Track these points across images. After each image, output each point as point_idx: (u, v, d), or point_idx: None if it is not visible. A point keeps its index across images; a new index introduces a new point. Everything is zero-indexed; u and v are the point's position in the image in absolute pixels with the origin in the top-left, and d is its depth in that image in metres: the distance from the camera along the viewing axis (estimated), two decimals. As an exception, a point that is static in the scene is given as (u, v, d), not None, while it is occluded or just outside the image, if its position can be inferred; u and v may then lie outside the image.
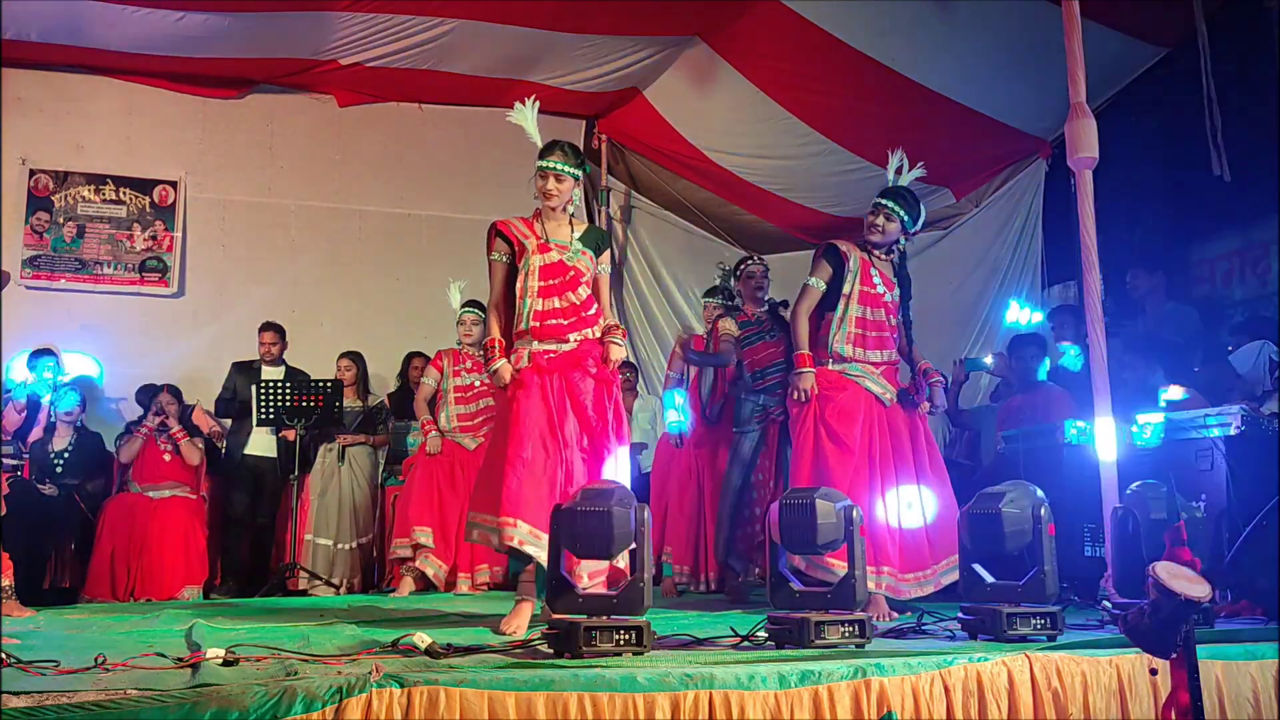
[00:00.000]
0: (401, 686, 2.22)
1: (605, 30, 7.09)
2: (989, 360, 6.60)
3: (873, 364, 4.23)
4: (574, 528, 2.82)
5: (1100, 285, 4.05)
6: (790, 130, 7.44)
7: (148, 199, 7.60)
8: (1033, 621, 3.09)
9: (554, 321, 3.71)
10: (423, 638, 2.79)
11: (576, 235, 3.93)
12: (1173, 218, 6.56)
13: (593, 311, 3.81)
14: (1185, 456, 4.12)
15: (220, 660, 2.59)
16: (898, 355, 4.34)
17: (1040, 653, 2.70)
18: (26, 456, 5.99)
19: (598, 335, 3.79)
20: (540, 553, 3.30)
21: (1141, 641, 2.21)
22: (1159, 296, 5.83)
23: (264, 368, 6.71)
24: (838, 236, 4.55)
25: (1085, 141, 3.98)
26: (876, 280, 4.30)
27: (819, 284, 4.30)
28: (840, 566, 3.29)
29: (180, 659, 2.64)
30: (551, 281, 3.79)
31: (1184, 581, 2.13)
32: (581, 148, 8.47)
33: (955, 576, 3.72)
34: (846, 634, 2.95)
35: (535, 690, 2.31)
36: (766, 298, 5.50)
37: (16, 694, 2.19)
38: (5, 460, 5.79)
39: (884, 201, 4.34)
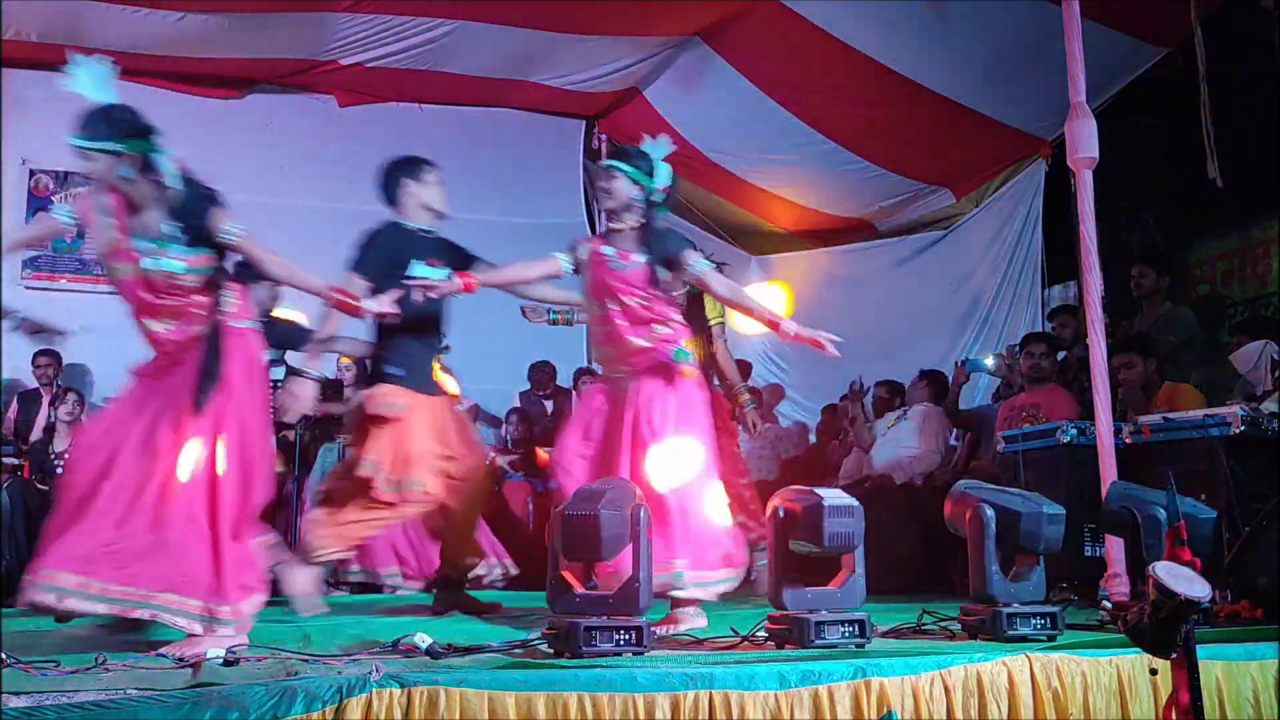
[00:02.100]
0: (402, 686, 2.22)
1: (605, 30, 7.09)
2: (989, 361, 6.61)
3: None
4: (561, 531, 2.82)
5: (1100, 285, 4.05)
6: (790, 130, 7.44)
7: (148, 199, 7.60)
8: (1033, 621, 3.09)
9: None
10: (423, 637, 2.79)
11: None
12: (1172, 218, 6.56)
13: None
14: (1185, 456, 4.12)
15: (221, 660, 2.60)
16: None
17: (1040, 653, 2.70)
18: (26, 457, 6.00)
19: None
20: None
21: (1141, 641, 2.21)
22: (1158, 298, 5.84)
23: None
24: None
25: (1085, 141, 3.99)
26: (609, 255, 3.73)
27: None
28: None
29: (181, 658, 2.65)
30: None
31: (1184, 581, 2.13)
32: (582, 148, 8.59)
33: None
34: (846, 634, 2.95)
35: (535, 690, 2.31)
36: None
37: (16, 694, 2.19)
38: (4, 459, 5.79)
39: (606, 163, 3.92)
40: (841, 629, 2.95)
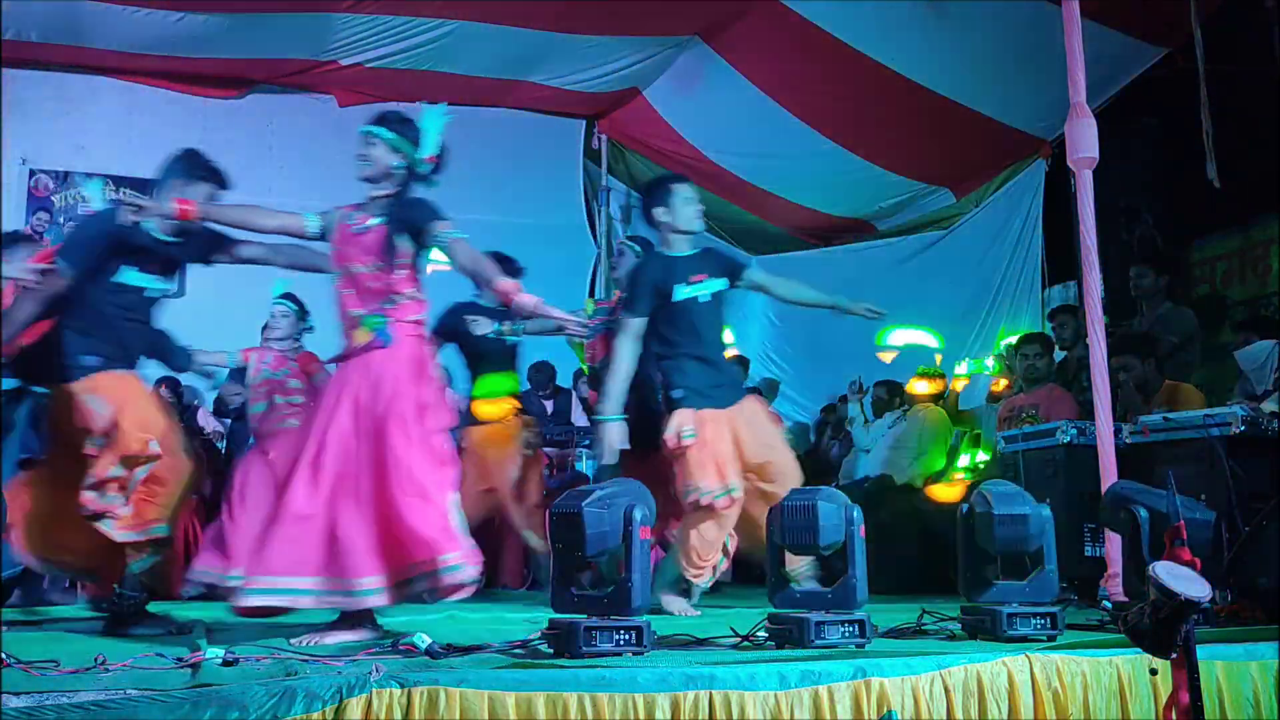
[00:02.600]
0: (401, 686, 2.22)
1: (605, 31, 7.10)
2: (990, 361, 6.61)
3: None
4: (553, 530, 2.82)
5: (1100, 285, 4.05)
6: (790, 130, 7.44)
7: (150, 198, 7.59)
8: (1033, 622, 3.09)
9: None
10: (423, 637, 2.79)
11: None
12: (1172, 218, 6.56)
13: None
14: (1185, 456, 4.12)
15: (220, 660, 2.60)
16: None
17: (1040, 653, 2.70)
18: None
19: None
20: None
21: (1141, 641, 2.21)
22: (1159, 297, 5.84)
23: (265, 368, 6.70)
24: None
25: (1085, 141, 3.99)
26: (351, 220, 3.52)
27: None
28: None
29: (180, 659, 2.65)
30: None
31: (1184, 581, 2.13)
32: (581, 148, 8.59)
33: None
34: (847, 634, 2.95)
35: (535, 690, 2.31)
36: None
37: (16, 694, 2.19)
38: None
39: (364, 128, 3.59)
40: (841, 629, 2.95)
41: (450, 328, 5.21)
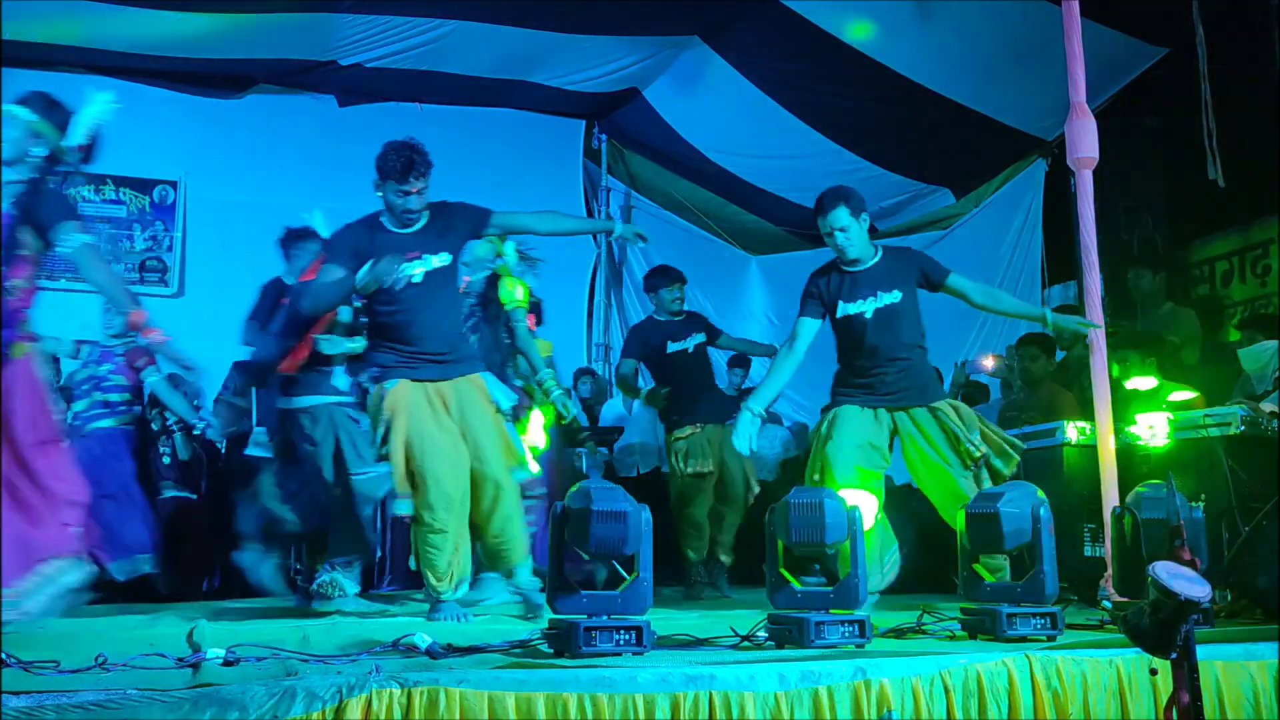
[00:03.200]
0: (401, 686, 2.22)
1: (605, 31, 7.10)
2: (989, 362, 6.61)
3: None
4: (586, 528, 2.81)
5: (1100, 285, 4.06)
6: (790, 130, 7.44)
7: (148, 199, 7.60)
8: (1033, 622, 3.09)
9: None
10: (423, 637, 2.79)
11: None
12: (1172, 218, 6.57)
13: None
14: (1185, 456, 4.12)
15: (221, 660, 2.60)
16: None
17: (1040, 653, 2.70)
18: None
19: None
20: None
21: (1141, 641, 2.21)
22: (1158, 297, 5.84)
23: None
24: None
25: (1085, 141, 3.99)
26: None
27: None
28: None
29: (181, 659, 2.65)
30: None
31: (1184, 581, 2.13)
32: (581, 148, 8.59)
33: None
34: (846, 634, 2.95)
35: (535, 690, 2.31)
36: None
37: (16, 694, 2.19)
38: None
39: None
40: (841, 629, 2.95)
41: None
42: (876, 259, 4.12)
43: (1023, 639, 3.02)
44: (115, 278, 3.25)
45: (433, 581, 3.82)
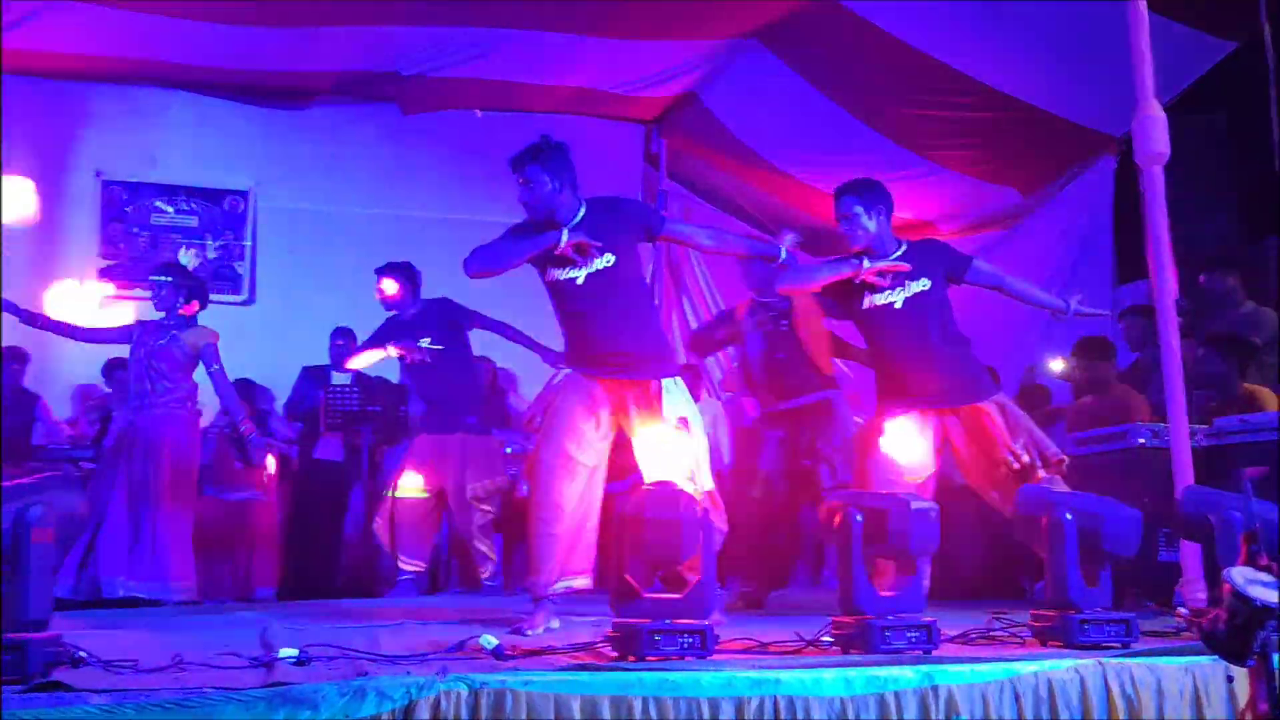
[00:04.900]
0: (469, 687, 2.26)
1: (662, 35, 7.11)
2: (1058, 364, 6.49)
3: None
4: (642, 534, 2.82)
5: (1173, 284, 3.97)
6: (851, 132, 7.39)
7: (219, 209, 7.80)
8: (1106, 628, 3.03)
9: None
10: (489, 639, 2.82)
11: None
12: (1247, 215, 6.40)
13: None
14: (1262, 458, 4.02)
15: (294, 660, 2.65)
16: None
17: (1113, 659, 2.65)
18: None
19: None
20: None
21: (1218, 649, 2.16)
22: (1236, 297, 5.69)
23: (333, 373, 6.82)
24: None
25: (1154, 137, 3.91)
26: None
27: None
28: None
29: (255, 658, 2.71)
30: None
31: (1260, 587, 2.08)
32: (641, 152, 8.62)
33: None
34: (914, 639, 2.92)
35: (600, 693, 2.33)
36: None
37: (97, 692, 2.26)
38: (82, 464, 5.95)
39: None
40: (909, 634, 2.92)
41: None
42: (899, 252, 3.98)
43: (1095, 645, 2.96)
44: None
45: (529, 579, 3.82)
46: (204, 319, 5.44)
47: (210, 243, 7.75)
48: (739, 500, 4.94)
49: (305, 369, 6.97)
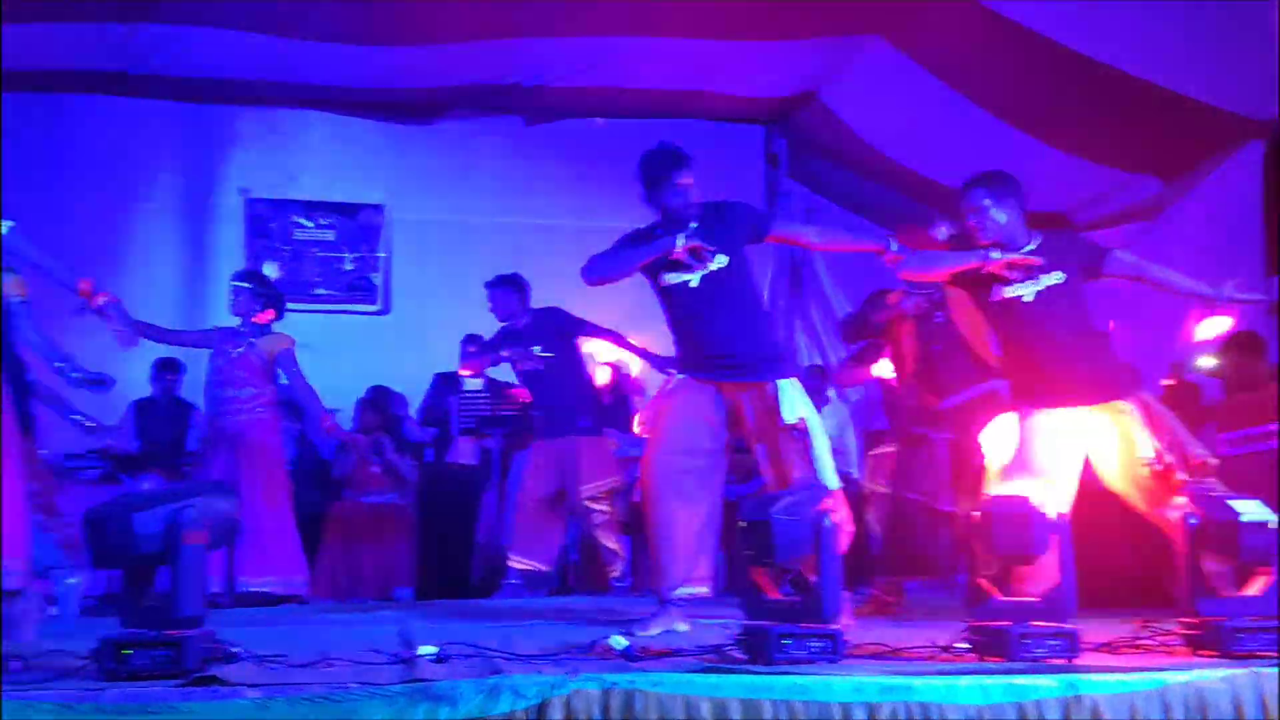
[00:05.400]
0: (600, 687, 2.29)
1: (781, 35, 7.07)
2: (1206, 361, 6.19)
3: None
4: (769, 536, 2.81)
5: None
6: (979, 125, 7.19)
7: (355, 223, 8.12)
8: (1261, 637, 2.87)
9: None
10: (619, 639, 2.86)
11: None
12: None
13: None
14: None
15: (433, 657, 2.74)
16: None
17: (1270, 670, 2.51)
18: None
19: None
20: None
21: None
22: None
23: (464, 378, 7.00)
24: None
25: (1305, 120, 3.69)
26: None
27: None
28: None
29: (395, 655, 2.80)
30: None
31: None
32: (761, 154, 8.59)
33: None
34: (1055, 647, 2.83)
35: (730, 695, 2.34)
36: None
37: (252, 685, 2.38)
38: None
39: None
40: (1049, 642, 2.82)
41: None
42: (1032, 245, 3.79)
43: (1250, 655, 2.81)
44: (45, 255, 3.55)
45: (655, 582, 3.82)
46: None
47: (347, 255, 8.07)
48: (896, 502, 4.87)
49: (438, 375, 7.17)
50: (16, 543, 3.32)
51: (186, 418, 6.65)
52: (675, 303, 3.83)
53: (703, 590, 3.81)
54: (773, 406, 3.71)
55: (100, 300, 3.58)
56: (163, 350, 6.12)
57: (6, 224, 3.42)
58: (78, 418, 4.66)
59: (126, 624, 2.61)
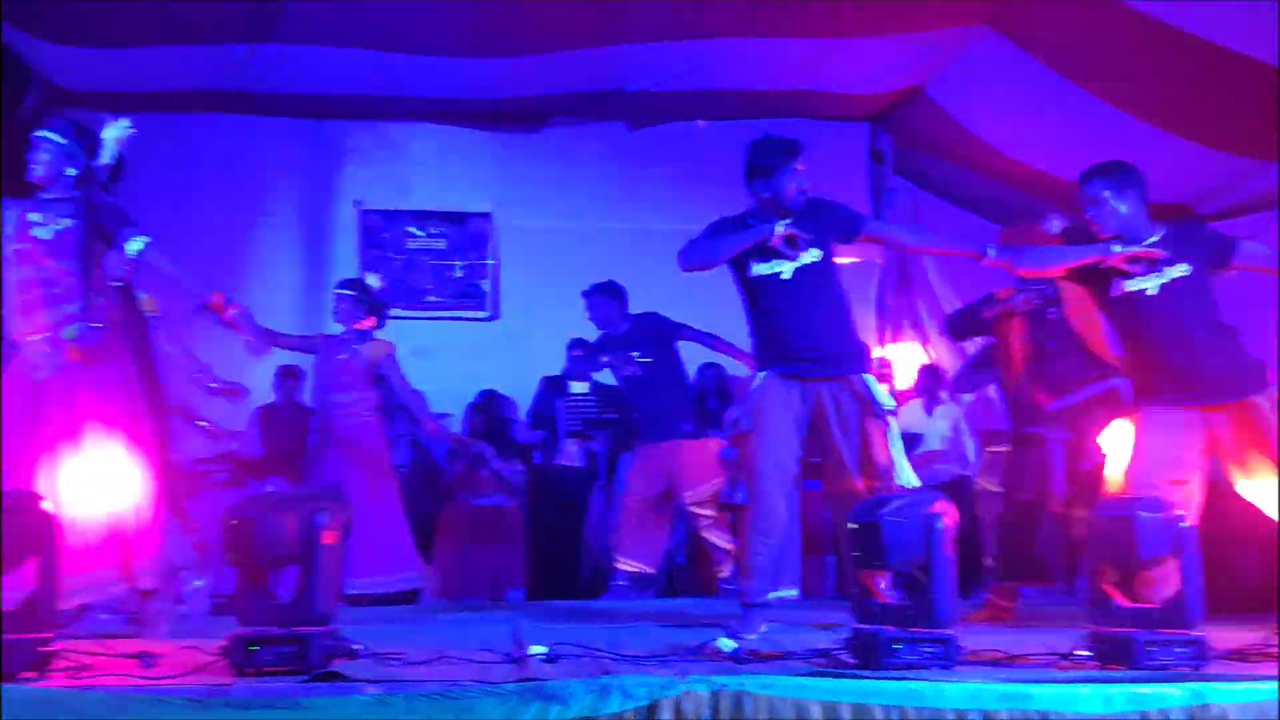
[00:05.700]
0: (709, 689, 2.30)
1: (883, 31, 6.96)
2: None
3: None
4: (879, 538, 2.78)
5: None
6: (1093, 114, 6.96)
7: (464, 231, 8.30)
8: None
9: None
10: (728, 642, 2.86)
11: None
12: None
13: None
14: None
15: (544, 657, 2.79)
16: None
17: None
18: None
19: None
20: None
21: None
22: None
23: (571, 382, 7.08)
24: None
25: None
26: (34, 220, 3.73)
27: None
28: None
29: (508, 654, 2.86)
30: None
31: None
32: (866, 151, 8.47)
33: None
34: (1181, 655, 2.72)
35: (840, 699, 2.32)
36: None
37: (371, 681, 2.46)
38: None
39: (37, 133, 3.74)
40: (1176, 649, 2.72)
41: None
42: (1155, 237, 3.65)
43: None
44: (179, 271, 3.78)
45: (742, 584, 3.81)
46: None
47: (457, 263, 8.26)
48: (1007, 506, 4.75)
49: (545, 379, 7.27)
50: (153, 545, 3.52)
51: (307, 423, 6.87)
52: (763, 294, 3.83)
53: (792, 593, 3.81)
54: (864, 396, 3.73)
55: (232, 312, 3.77)
56: (285, 357, 6.33)
57: (142, 239, 3.64)
58: (204, 424, 4.88)
59: (245, 622, 2.71)
